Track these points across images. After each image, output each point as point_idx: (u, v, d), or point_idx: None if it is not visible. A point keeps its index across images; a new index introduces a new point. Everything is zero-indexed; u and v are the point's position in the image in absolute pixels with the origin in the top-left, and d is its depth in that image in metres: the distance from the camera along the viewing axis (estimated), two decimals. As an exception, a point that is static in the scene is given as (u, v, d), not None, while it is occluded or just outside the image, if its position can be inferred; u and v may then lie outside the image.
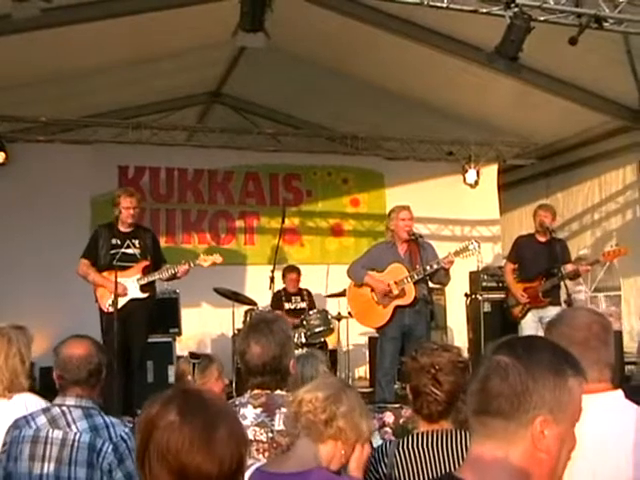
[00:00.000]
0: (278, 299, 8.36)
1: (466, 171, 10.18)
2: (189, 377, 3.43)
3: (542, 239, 7.08)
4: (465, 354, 8.64)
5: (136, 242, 6.33)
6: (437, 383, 2.57)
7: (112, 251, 6.26)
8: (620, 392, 2.20)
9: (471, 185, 10.21)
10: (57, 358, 2.99)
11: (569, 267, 6.85)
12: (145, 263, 6.32)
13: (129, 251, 6.28)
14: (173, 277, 6.42)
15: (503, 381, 1.38)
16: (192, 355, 3.53)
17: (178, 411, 1.44)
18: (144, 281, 6.26)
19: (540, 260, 6.99)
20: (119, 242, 6.29)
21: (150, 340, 6.62)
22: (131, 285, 6.20)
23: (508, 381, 1.37)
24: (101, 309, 6.24)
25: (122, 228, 6.35)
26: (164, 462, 1.42)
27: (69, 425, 2.80)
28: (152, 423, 1.45)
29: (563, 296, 7.12)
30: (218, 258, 6.67)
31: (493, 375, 1.39)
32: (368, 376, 8.79)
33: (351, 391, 2.32)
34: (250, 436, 2.60)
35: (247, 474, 2.24)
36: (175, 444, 1.41)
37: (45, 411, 2.89)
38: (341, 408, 2.21)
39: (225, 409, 1.52)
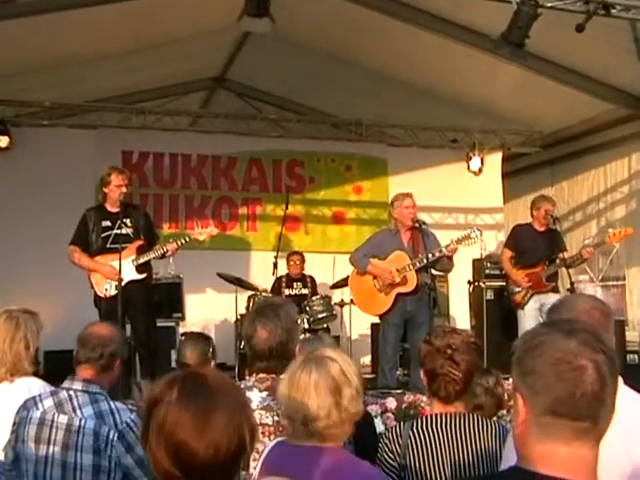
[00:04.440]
0: (278, 285, 8.40)
1: (470, 159, 10.18)
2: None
3: (540, 228, 7.14)
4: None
5: (128, 221, 6.17)
6: (454, 363, 2.62)
7: (104, 234, 6.11)
8: (619, 378, 2.23)
9: (475, 173, 10.21)
10: (80, 335, 3.01)
11: (566, 254, 6.92)
12: (139, 242, 6.17)
13: (122, 232, 6.12)
14: (163, 256, 6.31)
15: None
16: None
17: (178, 392, 1.48)
18: (139, 261, 6.12)
19: (539, 247, 7.05)
20: (110, 223, 6.13)
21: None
22: (127, 267, 6.03)
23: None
24: (97, 295, 6.11)
25: (112, 209, 6.20)
26: (161, 438, 1.46)
27: (74, 410, 2.81)
28: (154, 401, 1.50)
29: (566, 286, 7.17)
30: (214, 231, 6.60)
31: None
32: (371, 363, 8.83)
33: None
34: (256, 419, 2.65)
35: (267, 449, 2.30)
36: (170, 423, 1.45)
37: (53, 394, 2.91)
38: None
39: (230, 395, 1.53)
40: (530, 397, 1.41)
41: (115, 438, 2.77)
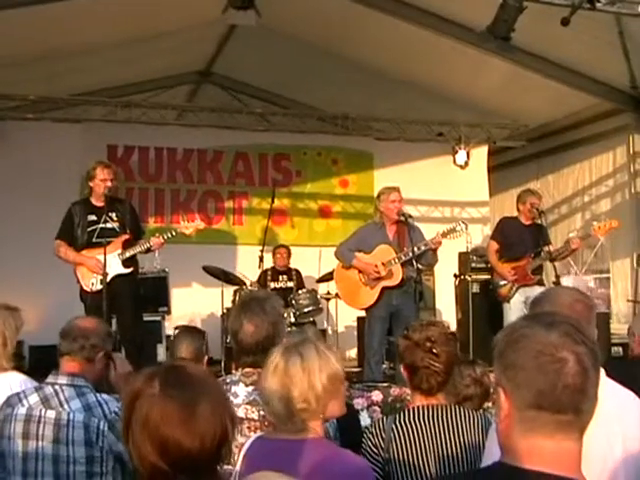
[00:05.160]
0: (263, 278, 8.40)
1: (456, 152, 10.19)
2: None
3: (526, 222, 7.18)
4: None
5: (113, 215, 6.16)
6: (434, 355, 2.64)
7: (90, 228, 6.10)
8: (601, 370, 2.25)
9: (461, 166, 10.23)
10: (62, 328, 2.99)
11: (551, 247, 6.96)
12: (125, 237, 6.16)
13: (108, 226, 6.12)
14: (148, 250, 6.32)
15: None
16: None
17: (160, 385, 1.47)
18: (125, 256, 6.11)
19: (525, 241, 7.09)
20: (96, 218, 6.12)
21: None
22: (113, 261, 6.02)
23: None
24: (83, 290, 6.10)
25: (97, 203, 6.19)
26: (145, 433, 1.45)
27: (62, 405, 2.79)
28: (135, 395, 1.49)
29: (551, 279, 7.21)
30: (200, 224, 6.61)
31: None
32: (357, 356, 8.85)
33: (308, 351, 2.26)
34: (241, 414, 2.63)
35: (247, 444, 2.30)
36: (155, 417, 1.44)
37: (37, 389, 2.88)
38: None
39: (210, 386, 1.53)
40: (512, 391, 1.42)
41: (106, 428, 2.77)
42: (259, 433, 2.40)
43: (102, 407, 2.82)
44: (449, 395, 2.78)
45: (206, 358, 3.95)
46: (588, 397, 1.40)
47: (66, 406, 2.80)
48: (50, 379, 2.90)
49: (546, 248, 6.96)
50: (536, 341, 1.41)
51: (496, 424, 1.51)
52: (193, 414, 1.45)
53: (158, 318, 7.83)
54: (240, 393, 2.74)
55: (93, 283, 6.05)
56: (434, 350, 2.65)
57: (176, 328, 5.79)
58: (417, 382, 2.68)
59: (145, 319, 6.99)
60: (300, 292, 8.05)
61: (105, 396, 2.89)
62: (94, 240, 6.08)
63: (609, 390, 2.20)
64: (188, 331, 4.25)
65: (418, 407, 2.67)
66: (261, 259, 8.27)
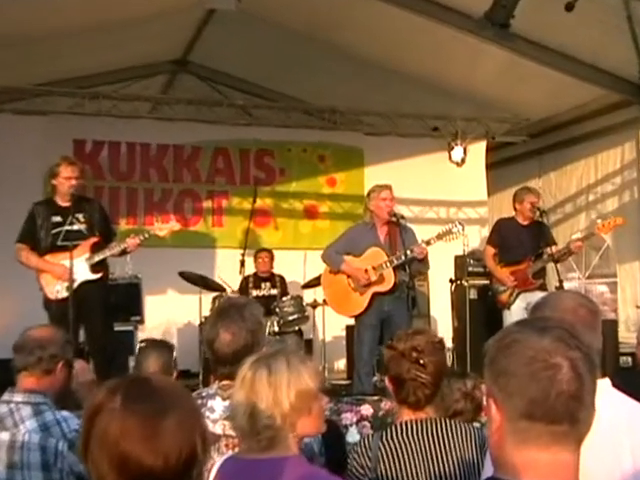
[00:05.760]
0: (244, 285, 8.39)
1: (452, 148, 10.21)
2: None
3: (524, 222, 7.20)
4: (449, 344, 8.80)
5: (80, 216, 6.12)
6: (421, 366, 2.64)
7: (54, 230, 6.05)
8: (607, 380, 2.26)
9: (457, 163, 10.25)
10: (16, 341, 2.97)
11: (554, 248, 6.97)
12: (93, 239, 6.11)
13: (74, 228, 6.07)
14: (123, 253, 6.30)
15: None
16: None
17: (122, 398, 1.45)
18: (94, 260, 6.06)
19: (525, 242, 7.10)
20: (61, 219, 6.07)
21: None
22: (80, 266, 5.97)
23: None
24: (47, 297, 6.04)
25: (62, 203, 6.14)
26: (104, 450, 1.43)
27: (16, 425, 2.76)
28: (96, 409, 1.47)
29: (554, 283, 7.22)
30: (176, 226, 6.60)
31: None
32: (346, 368, 8.85)
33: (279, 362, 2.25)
34: (219, 430, 2.63)
35: (217, 463, 2.29)
36: (114, 432, 1.42)
37: (-9, 410, 2.85)
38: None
39: (179, 399, 1.51)
40: (504, 401, 1.42)
41: (65, 449, 2.74)
42: (229, 453, 2.38)
43: (61, 425, 2.79)
44: (439, 409, 2.77)
45: (175, 374, 3.92)
46: (584, 405, 1.40)
47: (21, 427, 2.77)
48: (5, 397, 2.87)
49: (548, 249, 6.97)
50: (528, 347, 1.41)
51: (487, 437, 1.51)
52: (156, 429, 1.43)
53: (130, 328, 7.80)
54: (217, 408, 2.73)
55: (58, 290, 6.00)
56: (421, 360, 2.65)
57: (142, 342, 5.76)
58: (404, 395, 2.68)
59: (116, 329, 6.95)
60: (284, 299, 8.05)
61: (65, 413, 2.86)
62: (59, 243, 6.04)
63: (617, 402, 2.20)
64: (155, 345, 4.23)
65: (406, 422, 2.66)
66: (242, 263, 8.28)
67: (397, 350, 2.71)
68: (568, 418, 1.38)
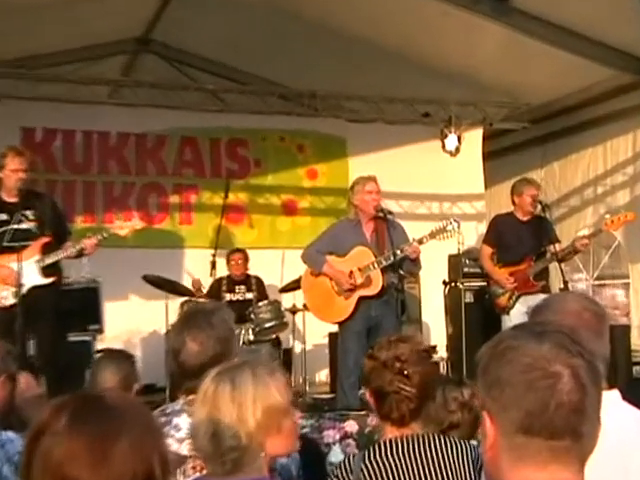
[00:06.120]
0: (216, 288, 8.40)
1: (445, 136, 10.22)
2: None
3: (524, 218, 7.23)
4: (443, 353, 8.83)
5: (29, 214, 6.11)
6: (405, 378, 2.63)
7: (0, 229, 6.05)
8: (616, 392, 2.26)
9: (451, 153, 10.26)
10: None
11: (558, 246, 6.99)
12: (44, 239, 6.09)
13: (22, 226, 6.06)
14: (80, 254, 6.27)
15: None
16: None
17: (69, 417, 1.44)
18: (46, 262, 6.04)
19: (525, 240, 7.13)
20: (7, 217, 6.06)
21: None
22: (29, 269, 5.95)
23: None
24: None
25: (9, 198, 6.13)
26: (47, 475, 1.41)
27: None
28: (39, 430, 1.45)
29: (558, 285, 7.25)
30: (138, 223, 6.61)
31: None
32: (329, 380, 8.86)
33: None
34: (185, 451, 2.62)
35: None
36: (58, 456, 1.41)
37: None
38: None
39: (135, 417, 1.50)
40: (498, 414, 1.41)
41: (10, 473, 2.73)
42: (196, 475, 2.37)
43: (4, 448, 2.76)
44: (431, 424, 2.77)
45: (136, 387, 3.89)
46: (587, 418, 1.39)
47: None
48: None
49: (551, 248, 7.00)
50: (525, 354, 1.41)
51: (482, 455, 1.50)
52: (106, 453, 1.41)
53: (87, 338, 7.75)
54: (183, 425, 2.72)
55: (4, 297, 5.98)
56: (405, 371, 2.64)
57: (98, 352, 5.74)
58: (386, 410, 2.68)
59: (70, 339, 6.93)
60: (261, 304, 8.07)
61: (9, 434, 2.84)
62: (5, 244, 6.01)
63: (627, 416, 2.20)
64: (113, 356, 4.19)
65: (390, 440, 2.66)
66: (213, 265, 8.30)
67: (378, 360, 2.70)
68: (569, 432, 1.38)
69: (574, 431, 1.38)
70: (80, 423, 1.44)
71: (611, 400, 2.18)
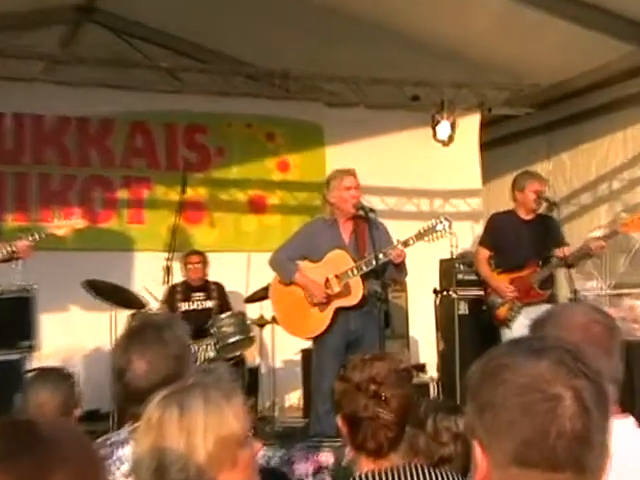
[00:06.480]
0: (171, 296, 8.43)
1: (437, 123, 10.27)
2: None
3: (526, 217, 7.27)
4: (434, 373, 8.85)
5: None
6: (382, 402, 2.63)
7: None
8: (631, 419, 2.27)
9: (443, 142, 10.32)
10: None
11: (566, 250, 7.01)
12: None
13: None
14: (11, 258, 6.29)
15: None
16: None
17: None
18: None
19: (527, 243, 7.16)
20: None
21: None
22: None
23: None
24: None
25: None
26: None
27: None
28: None
29: (566, 295, 7.29)
30: (80, 222, 6.65)
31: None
32: (302, 404, 8.86)
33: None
34: (128, 488, 2.61)
35: None
36: None
37: None
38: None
39: (71, 449, 1.48)
40: (490, 442, 1.41)
41: None
42: None
43: None
44: (418, 455, 2.76)
45: (77, 412, 3.87)
46: (592, 448, 1.39)
47: None
48: None
49: (558, 251, 7.03)
50: (520, 373, 1.41)
51: None
52: None
53: (18, 356, 7.68)
54: (128, 458, 2.70)
55: None
56: (381, 395, 2.64)
57: (30, 371, 5.71)
58: (361, 439, 2.68)
59: (-1, 358, 6.87)
60: (223, 316, 8.08)
61: None
62: None
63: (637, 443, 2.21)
64: (48, 376, 4.15)
65: (366, 474, 2.65)
66: (167, 270, 8.26)
67: (351, 382, 2.70)
68: (572, 464, 1.38)
69: (577, 463, 1.38)
70: (6, 457, 1.42)
71: (624, 428, 2.19)
